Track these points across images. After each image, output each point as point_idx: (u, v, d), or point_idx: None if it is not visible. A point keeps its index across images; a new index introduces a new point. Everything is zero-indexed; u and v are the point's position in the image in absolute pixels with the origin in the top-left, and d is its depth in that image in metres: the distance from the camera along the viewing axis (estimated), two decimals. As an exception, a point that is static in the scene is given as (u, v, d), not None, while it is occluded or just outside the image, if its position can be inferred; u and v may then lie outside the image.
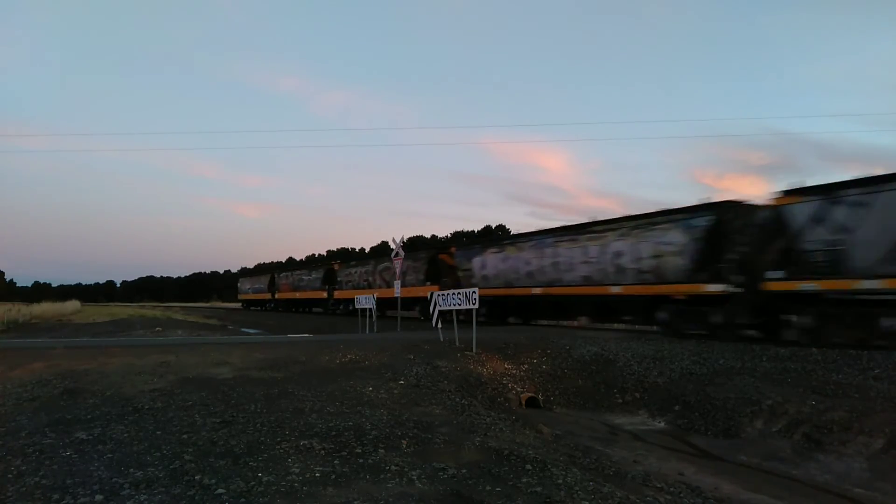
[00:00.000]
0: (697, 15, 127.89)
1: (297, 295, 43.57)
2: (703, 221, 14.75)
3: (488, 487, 4.51)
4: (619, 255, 16.85)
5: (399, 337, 14.92)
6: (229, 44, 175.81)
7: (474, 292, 12.33)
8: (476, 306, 12.15)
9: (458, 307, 12.92)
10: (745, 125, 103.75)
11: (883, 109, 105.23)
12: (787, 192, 12.91)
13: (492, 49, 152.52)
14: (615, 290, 16.87)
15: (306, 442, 5.38)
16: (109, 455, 4.83)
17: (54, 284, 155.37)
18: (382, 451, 5.26)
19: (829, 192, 12.06)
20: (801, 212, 12.41)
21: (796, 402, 8.78)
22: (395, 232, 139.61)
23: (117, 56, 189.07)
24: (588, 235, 18.22)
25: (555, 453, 6.21)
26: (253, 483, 4.25)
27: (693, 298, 14.75)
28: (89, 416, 6.15)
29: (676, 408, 9.86)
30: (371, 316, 19.49)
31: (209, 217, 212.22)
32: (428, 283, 26.48)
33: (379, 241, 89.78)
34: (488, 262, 22.70)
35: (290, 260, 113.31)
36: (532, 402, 10.24)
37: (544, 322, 21.34)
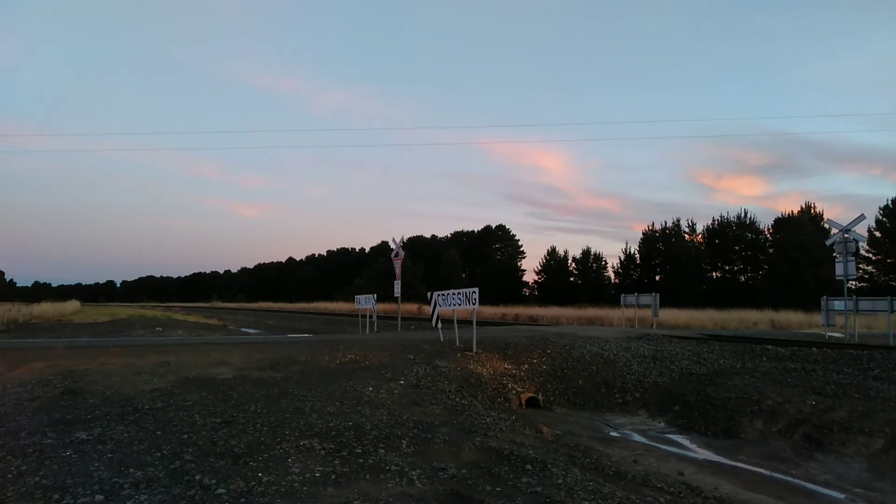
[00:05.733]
0: (695, 14, 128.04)
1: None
2: None
3: (488, 487, 4.51)
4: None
5: (399, 337, 14.91)
6: (229, 44, 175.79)
7: (474, 292, 12.31)
8: (476, 306, 12.14)
9: (457, 307, 12.90)
10: (744, 125, 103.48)
11: (882, 109, 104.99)
12: None
13: (491, 49, 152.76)
14: None
15: (306, 442, 5.39)
16: (109, 455, 4.84)
17: (54, 284, 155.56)
18: (382, 451, 5.26)
19: None
20: None
21: (796, 402, 8.78)
22: (395, 232, 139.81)
23: (117, 56, 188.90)
24: None
25: (555, 453, 6.21)
26: (253, 483, 4.25)
27: None
28: (89, 416, 6.15)
29: (676, 408, 9.87)
30: (371, 316, 19.49)
31: (209, 217, 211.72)
32: None
33: (379, 241, 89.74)
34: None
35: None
36: (532, 402, 10.24)
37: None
